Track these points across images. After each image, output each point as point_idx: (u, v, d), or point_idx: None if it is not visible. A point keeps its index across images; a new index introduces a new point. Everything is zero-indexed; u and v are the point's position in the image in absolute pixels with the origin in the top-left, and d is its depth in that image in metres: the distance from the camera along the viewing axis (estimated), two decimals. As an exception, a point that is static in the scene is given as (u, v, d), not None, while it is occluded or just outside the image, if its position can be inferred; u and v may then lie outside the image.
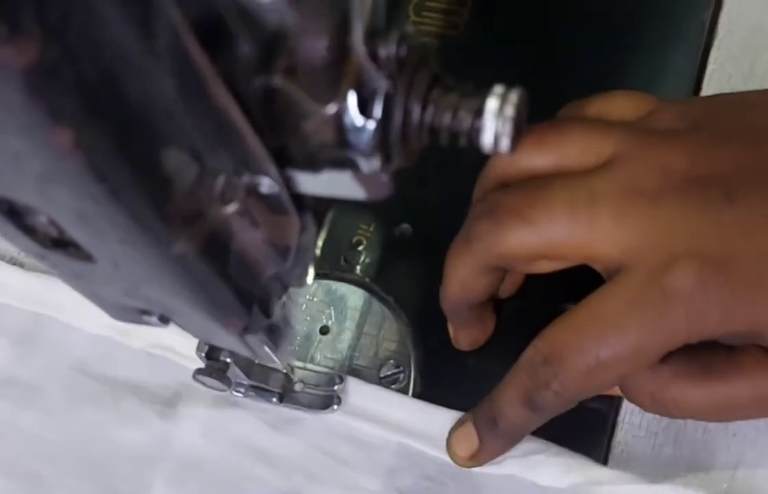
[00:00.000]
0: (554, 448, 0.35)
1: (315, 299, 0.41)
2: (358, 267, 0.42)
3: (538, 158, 0.32)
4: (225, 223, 0.21)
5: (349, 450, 0.37)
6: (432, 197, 0.42)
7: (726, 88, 0.42)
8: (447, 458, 0.35)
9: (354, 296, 0.41)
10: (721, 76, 0.42)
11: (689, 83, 0.42)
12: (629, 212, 0.29)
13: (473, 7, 0.47)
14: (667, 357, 0.29)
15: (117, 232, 0.20)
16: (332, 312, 0.40)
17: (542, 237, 0.30)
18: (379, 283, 0.41)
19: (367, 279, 0.41)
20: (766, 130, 0.31)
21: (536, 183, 0.31)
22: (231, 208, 0.21)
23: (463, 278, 0.33)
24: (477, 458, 0.34)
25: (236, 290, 0.23)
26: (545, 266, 0.32)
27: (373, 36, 0.19)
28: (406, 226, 0.42)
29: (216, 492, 0.37)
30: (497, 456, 0.34)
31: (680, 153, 0.30)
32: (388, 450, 0.36)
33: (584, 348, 0.29)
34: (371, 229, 0.42)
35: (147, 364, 0.40)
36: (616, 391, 0.32)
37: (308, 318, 0.40)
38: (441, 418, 0.36)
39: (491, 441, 0.33)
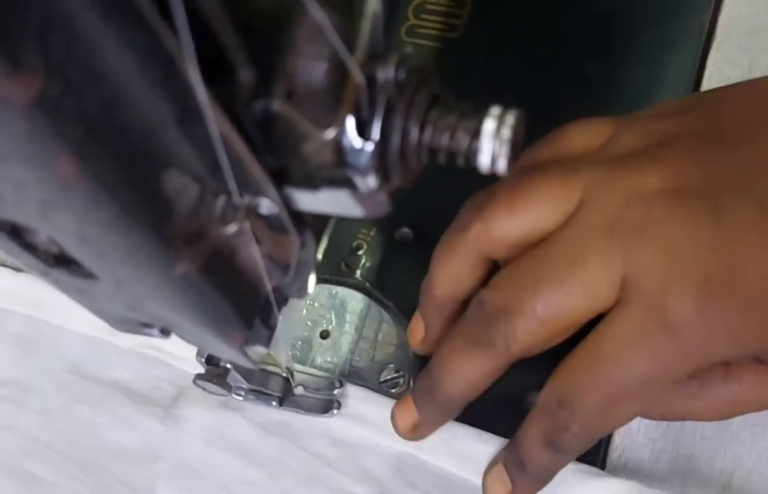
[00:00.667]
0: None
1: (316, 303, 0.41)
2: (359, 272, 0.42)
3: (512, 226, 0.31)
4: (226, 243, 0.21)
5: (340, 455, 0.37)
6: (432, 201, 0.42)
7: (725, 92, 0.42)
8: (440, 467, 0.36)
9: (354, 301, 0.41)
10: (720, 78, 0.42)
11: (688, 86, 0.42)
12: (613, 251, 0.28)
13: (473, 9, 0.47)
14: None
15: (119, 254, 0.20)
16: (333, 317, 0.41)
17: (543, 323, 0.29)
18: (379, 287, 0.41)
19: (368, 284, 0.41)
20: (744, 127, 0.29)
21: (519, 269, 0.30)
22: (231, 228, 0.21)
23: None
24: None
25: (237, 306, 0.24)
26: (561, 337, 0.31)
27: (371, 59, 0.19)
28: (406, 230, 0.42)
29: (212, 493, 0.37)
30: None
31: (653, 173, 0.29)
32: (382, 458, 0.37)
33: (593, 389, 0.29)
34: (371, 233, 0.43)
35: (140, 366, 0.40)
36: None
37: (309, 323, 0.40)
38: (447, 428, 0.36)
39: (522, 482, 0.33)
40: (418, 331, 0.37)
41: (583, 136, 0.33)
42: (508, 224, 0.31)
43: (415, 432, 0.35)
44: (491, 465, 0.35)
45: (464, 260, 0.33)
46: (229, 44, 0.18)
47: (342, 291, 0.41)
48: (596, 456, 0.35)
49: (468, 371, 0.32)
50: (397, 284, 0.41)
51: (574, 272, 0.29)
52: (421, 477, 0.36)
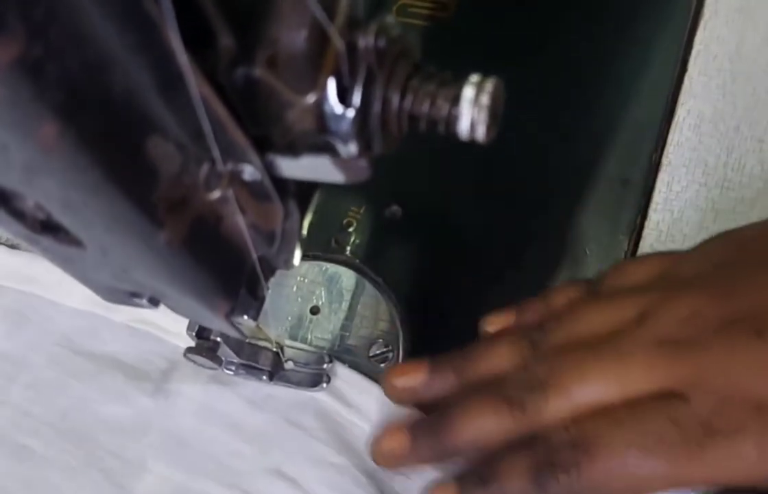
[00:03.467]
0: None
1: (306, 280, 0.41)
2: (349, 248, 0.42)
3: (569, 404, 0.30)
4: (209, 210, 0.21)
5: (326, 428, 0.38)
6: (421, 178, 0.43)
7: (712, 69, 0.42)
8: None
9: (344, 277, 0.41)
10: (707, 57, 0.42)
11: (675, 64, 0.43)
12: (659, 361, 0.29)
13: (463, -12, 0.48)
14: None
15: (103, 220, 0.20)
16: (323, 293, 0.41)
17: (575, 405, 0.29)
18: (369, 264, 0.42)
19: (357, 260, 0.42)
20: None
21: (568, 352, 0.31)
22: (215, 195, 0.21)
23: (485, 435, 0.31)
24: None
25: (222, 275, 0.24)
26: None
27: (351, 27, 0.20)
28: (395, 207, 0.43)
29: (200, 466, 0.37)
30: None
31: (705, 298, 0.30)
32: (365, 440, 0.37)
33: (616, 452, 0.28)
34: (361, 211, 0.43)
35: (131, 340, 0.41)
36: None
37: (299, 299, 0.41)
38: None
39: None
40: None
41: (648, 266, 0.34)
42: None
43: (396, 461, 0.34)
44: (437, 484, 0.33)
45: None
46: (210, 12, 0.18)
47: (332, 268, 0.42)
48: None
49: (486, 423, 0.31)
50: (386, 261, 0.42)
51: (618, 368, 0.29)
52: None
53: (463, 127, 0.20)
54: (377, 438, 0.34)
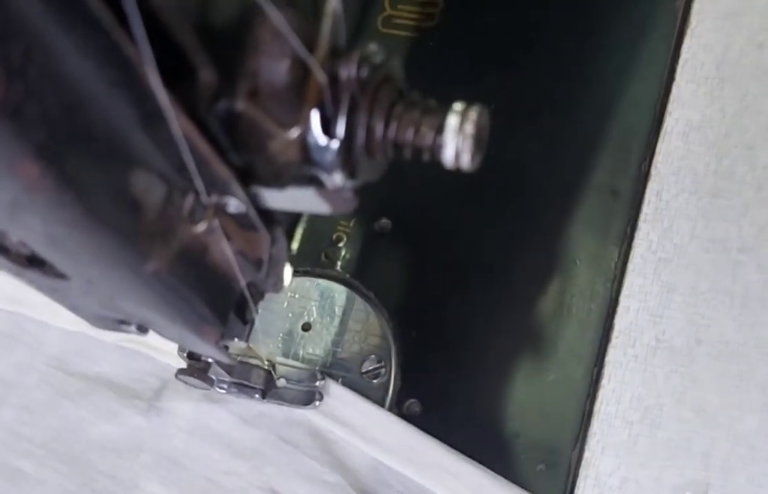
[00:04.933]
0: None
1: (297, 295, 0.41)
2: (339, 263, 0.42)
3: None
4: (195, 241, 0.21)
5: (319, 446, 0.37)
6: (411, 191, 0.42)
7: (699, 76, 0.42)
8: (415, 478, 0.36)
9: (335, 292, 0.41)
10: (695, 64, 0.42)
11: (662, 73, 0.43)
12: None
13: (449, -2, 0.47)
14: None
15: (87, 254, 0.20)
16: (314, 309, 0.41)
17: None
18: (360, 278, 0.41)
19: (348, 275, 0.42)
20: None
21: None
22: (201, 227, 0.21)
23: None
24: None
25: (209, 303, 0.24)
26: None
27: (334, 57, 0.20)
28: (385, 221, 0.43)
29: (194, 485, 0.37)
30: None
31: None
32: (359, 456, 0.37)
33: None
34: (351, 225, 0.43)
35: (122, 359, 0.41)
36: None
37: (290, 315, 0.41)
38: (411, 437, 0.37)
39: None
40: None
41: None
42: None
43: None
44: None
45: None
46: (190, 46, 0.18)
47: (323, 283, 0.41)
48: (574, 443, 0.36)
49: None
50: (377, 275, 0.41)
51: None
52: (395, 477, 0.36)
53: (448, 156, 0.20)
54: None
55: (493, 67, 0.45)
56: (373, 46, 0.21)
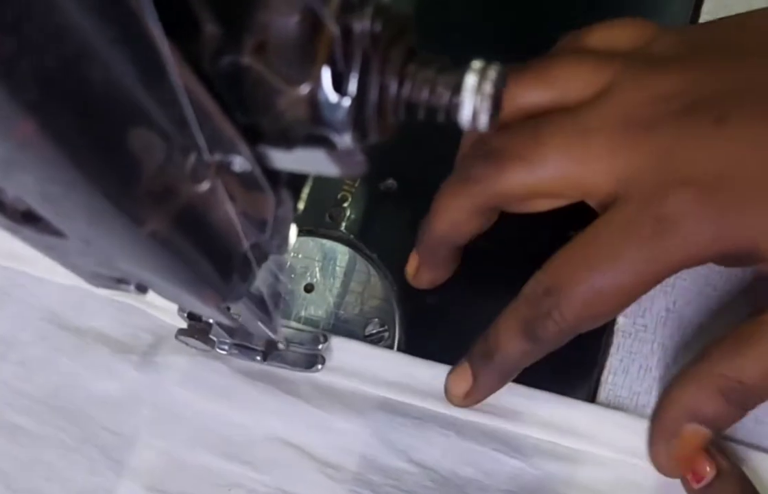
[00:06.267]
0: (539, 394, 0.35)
1: (300, 256, 0.40)
2: (343, 224, 0.41)
3: (536, 94, 0.32)
4: (197, 201, 0.20)
5: (325, 397, 0.37)
6: (417, 152, 0.41)
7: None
8: (430, 407, 0.36)
9: (339, 254, 0.40)
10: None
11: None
12: (621, 143, 0.30)
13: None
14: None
15: (84, 214, 0.19)
16: (317, 270, 0.40)
17: (538, 176, 0.31)
18: (363, 239, 0.41)
19: (352, 236, 0.41)
20: (753, 47, 0.31)
21: (531, 123, 0.32)
22: (203, 186, 0.20)
23: (455, 218, 0.34)
24: (471, 396, 0.34)
25: (211, 264, 0.23)
26: (543, 205, 0.33)
27: (346, 10, 0.18)
28: (391, 181, 0.42)
29: (197, 438, 0.37)
30: (491, 392, 0.34)
31: (675, 80, 0.30)
32: (368, 400, 0.36)
33: (581, 279, 0.30)
34: (356, 185, 0.42)
35: (117, 314, 0.40)
36: None
37: (293, 276, 0.40)
38: (424, 371, 0.36)
39: (485, 375, 0.34)
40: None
41: (627, 32, 0.34)
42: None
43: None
44: (455, 366, 0.35)
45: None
46: (195, -4, 0.17)
47: (327, 244, 0.41)
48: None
49: (451, 205, 0.34)
50: (382, 236, 0.41)
51: (580, 149, 0.31)
52: (411, 412, 0.36)
53: (465, 116, 0.19)
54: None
55: (501, 34, 0.44)
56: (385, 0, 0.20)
